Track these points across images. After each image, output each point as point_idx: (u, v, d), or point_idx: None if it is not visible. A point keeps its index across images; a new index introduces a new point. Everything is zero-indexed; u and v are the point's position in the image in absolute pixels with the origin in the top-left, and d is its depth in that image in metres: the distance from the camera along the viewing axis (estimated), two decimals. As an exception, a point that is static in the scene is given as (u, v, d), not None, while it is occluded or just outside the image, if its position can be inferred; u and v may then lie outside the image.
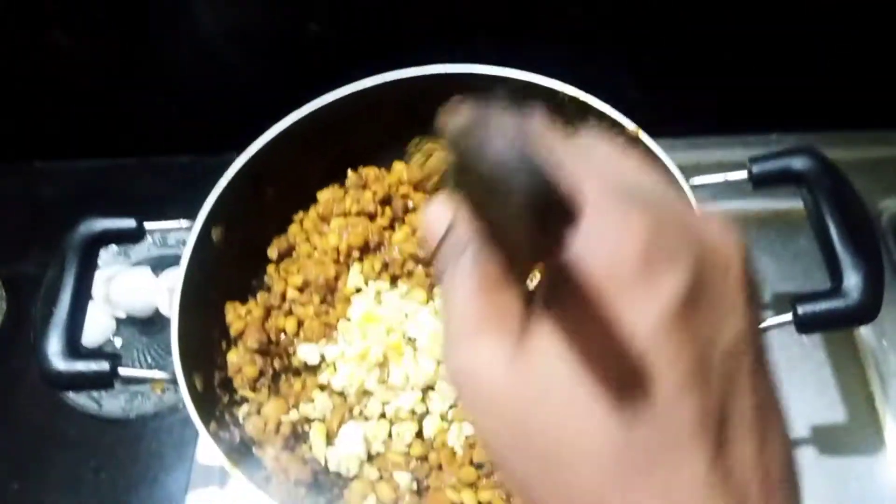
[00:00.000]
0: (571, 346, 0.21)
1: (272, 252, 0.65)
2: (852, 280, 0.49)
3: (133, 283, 0.77)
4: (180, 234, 0.82)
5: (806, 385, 0.66)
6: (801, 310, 0.49)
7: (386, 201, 0.67)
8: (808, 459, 0.64)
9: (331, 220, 0.66)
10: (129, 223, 0.57)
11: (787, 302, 0.62)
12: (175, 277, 0.74)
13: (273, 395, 0.58)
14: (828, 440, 0.64)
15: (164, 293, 0.75)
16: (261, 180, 0.63)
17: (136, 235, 0.57)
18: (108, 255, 0.82)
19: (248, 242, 0.64)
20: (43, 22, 0.77)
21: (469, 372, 0.24)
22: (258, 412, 0.56)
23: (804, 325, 0.49)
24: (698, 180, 0.57)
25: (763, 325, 0.50)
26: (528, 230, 0.20)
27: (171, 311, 0.54)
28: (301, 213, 0.68)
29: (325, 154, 0.67)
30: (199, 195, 0.86)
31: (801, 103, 0.80)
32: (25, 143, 0.91)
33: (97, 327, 0.76)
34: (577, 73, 0.64)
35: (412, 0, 0.77)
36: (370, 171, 0.69)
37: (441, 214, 0.25)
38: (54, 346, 0.51)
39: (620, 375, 0.21)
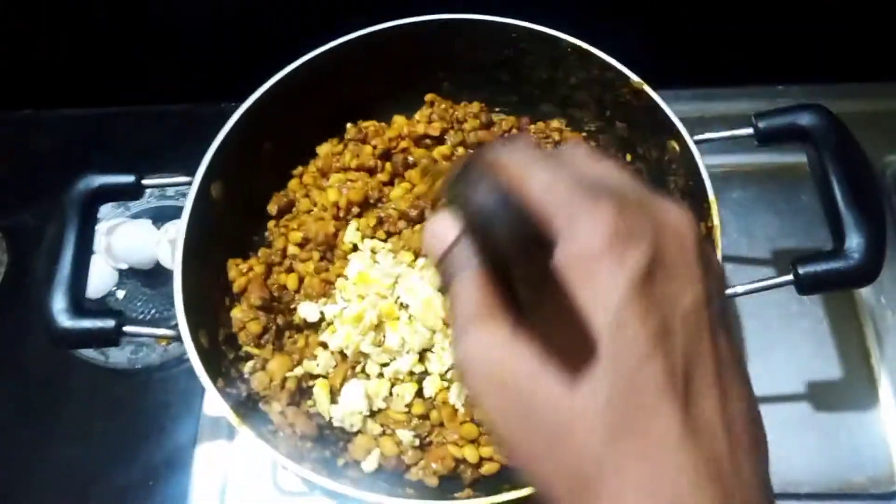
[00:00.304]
0: (554, 325, 0.25)
1: (272, 208, 0.65)
2: (854, 241, 0.49)
3: (134, 235, 0.77)
4: (179, 187, 0.83)
5: (804, 340, 0.67)
6: (801, 270, 0.50)
7: (386, 156, 0.66)
8: (803, 414, 0.65)
9: (330, 176, 0.65)
10: (128, 179, 0.57)
11: (788, 259, 0.63)
12: (175, 229, 0.75)
13: (277, 352, 0.58)
14: (823, 395, 0.65)
15: (164, 245, 0.75)
16: (258, 134, 0.63)
17: (134, 191, 0.57)
18: (106, 207, 0.81)
19: (248, 198, 0.64)
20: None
21: (474, 355, 0.27)
22: (263, 368, 0.57)
23: (804, 286, 0.50)
24: (703, 136, 0.56)
25: (763, 283, 0.50)
26: (514, 254, 0.26)
27: (174, 268, 0.54)
28: (300, 168, 0.67)
29: (324, 107, 0.66)
30: (195, 145, 0.84)
31: (806, 55, 0.79)
32: (19, 91, 0.89)
33: (99, 279, 0.76)
34: (582, 24, 0.62)
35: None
36: (370, 125, 0.68)
37: (446, 229, 0.29)
38: (59, 304, 0.51)
39: (595, 345, 0.24)
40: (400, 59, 0.65)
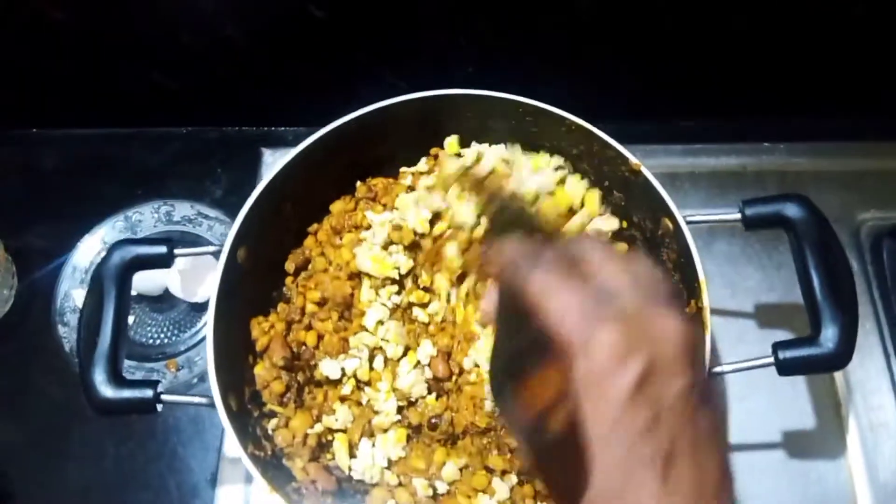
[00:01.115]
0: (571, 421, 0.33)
1: (289, 266, 0.69)
2: (829, 331, 0.54)
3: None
4: (185, 211, 0.86)
5: (781, 392, 0.73)
6: (781, 356, 0.55)
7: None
8: (776, 459, 0.71)
9: (343, 234, 0.69)
10: (161, 250, 0.60)
11: (769, 313, 0.73)
12: (185, 261, 0.78)
13: (299, 409, 0.63)
14: (796, 444, 0.71)
15: (174, 274, 0.78)
16: (280, 197, 0.66)
17: (166, 260, 0.60)
18: (114, 232, 0.85)
19: (269, 257, 0.68)
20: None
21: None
22: (286, 425, 0.62)
23: (784, 368, 0.55)
24: (694, 217, 0.61)
25: (746, 364, 0.56)
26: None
27: (207, 338, 0.58)
28: (315, 226, 0.71)
29: (340, 168, 0.70)
30: (199, 168, 0.89)
31: (790, 114, 0.85)
32: (25, 110, 0.91)
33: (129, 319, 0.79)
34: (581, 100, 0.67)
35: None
36: (378, 182, 0.72)
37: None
38: (100, 376, 0.55)
39: (590, 460, 0.32)
40: (414, 125, 0.69)
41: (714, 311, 0.75)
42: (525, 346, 0.37)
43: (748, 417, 0.72)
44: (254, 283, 0.66)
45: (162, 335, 0.81)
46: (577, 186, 0.68)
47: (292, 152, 0.65)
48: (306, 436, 0.61)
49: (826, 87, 0.84)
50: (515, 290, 0.36)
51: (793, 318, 0.76)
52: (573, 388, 0.33)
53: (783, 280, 0.78)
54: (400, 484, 0.61)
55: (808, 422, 0.72)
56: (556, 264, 0.36)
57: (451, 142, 0.71)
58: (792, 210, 0.58)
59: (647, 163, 0.64)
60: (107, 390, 0.55)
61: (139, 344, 0.80)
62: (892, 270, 0.77)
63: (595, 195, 0.67)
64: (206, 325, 0.59)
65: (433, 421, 0.61)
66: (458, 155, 0.70)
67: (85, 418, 0.75)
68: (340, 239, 0.69)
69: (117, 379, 0.55)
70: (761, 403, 0.72)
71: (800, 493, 0.70)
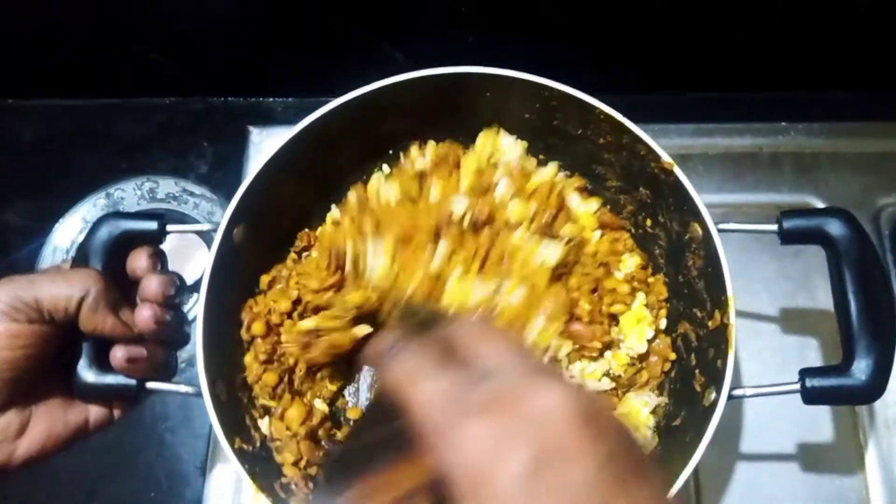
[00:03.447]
0: None
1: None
2: (863, 363, 0.50)
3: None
4: (169, 188, 0.82)
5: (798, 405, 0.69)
6: (808, 384, 0.51)
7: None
8: (792, 473, 0.68)
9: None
10: (151, 225, 0.56)
11: (782, 312, 0.71)
12: (170, 240, 0.74)
13: (296, 398, 0.60)
14: (812, 458, 0.69)
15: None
16: (283, 176, 0.62)
17: (157, 237, 0.56)
18: (96, 209, 0.81)
19: (267, 238, 0.64)
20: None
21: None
22: (281, 417, 0.59)
23: (810, 397, 0.51)
24: (727, 226, 0.57)
25: (769, 390, 0.52)
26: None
27: (197, 322, 0.54)
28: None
29: (346, 144, 0.65)
30: (182, 140, 0.84)
31: (808, 92, 0.81)
32: (1, 79, 0.85)
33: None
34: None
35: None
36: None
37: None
38: (82, 360, 0.52)
39: None
40: (429, 103, 0.64)
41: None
42: (382, 439, 0.34)
43: (761, 424, 0.69)
44: (250, 265, 0.63)
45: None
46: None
47: (298, 126, 0.60)
48: (299, 429, 0.58)
49: (846, 64, 0.80)
50: (382, 383, 0.32)
51: (813, 329, 0.73)
52: (443, 487, 0.29)
53: (798, 275, 0.74)
54: None
55: (824, 425, 0.70)
56: (424, 350, 0.32)
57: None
58: (834, 226, 0.53)
59: (658, 142, 0.59)
60: (88, 375, 0.52)
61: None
62: (913, 259, 0.73)
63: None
64: (197, 307, 0.55)
65: None
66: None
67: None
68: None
69: (101, 364, 0.52)
70: (774, 411, 0.69)
71: (815, 495, 0.67)
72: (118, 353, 0.51)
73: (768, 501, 0.68)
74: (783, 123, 0.82)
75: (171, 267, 0.68)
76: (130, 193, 0.81)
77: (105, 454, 0.71)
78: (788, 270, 0.75)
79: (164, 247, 0.72)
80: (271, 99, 0.85)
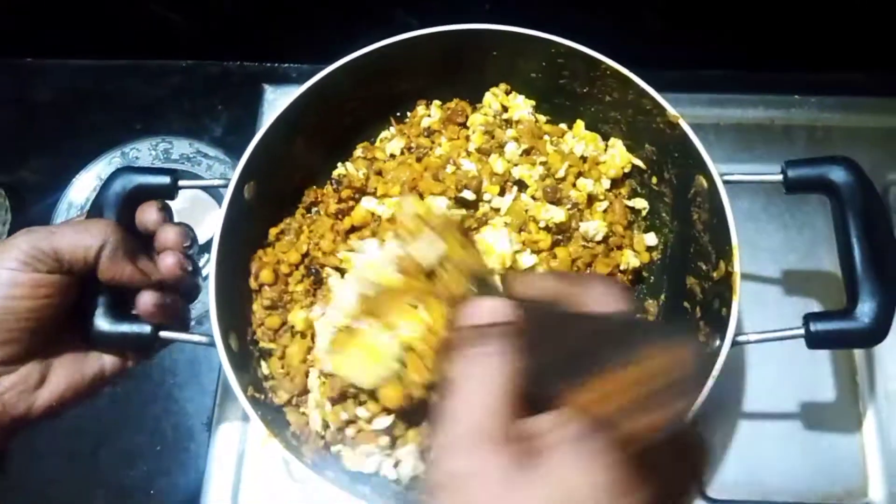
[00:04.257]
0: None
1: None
2: (867, 306, 0.51)
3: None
4: (183, 149, 0.83)
5: (799, 360, 0.70)
6: (813, 328, 0.52)
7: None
8: (791, 429, 0.69)
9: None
10: (164, 180, 0.56)
11: (787, 275, 0.72)
12: (183, 197, 0.74)
13: (297, 337, 0.60)
14: (811, 413, 0.70)
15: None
16: (293, 132, 0.63)
17: (169, 192, 0.57)
18: (110, 168, 0.82)
19: (277, 193, 0.64)
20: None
21: (465, 477, 0.28)
22: (281, 356, 0.60)
23: (815, 341, 0.52)
24: (732, 177, 0.57)
25: (774, 335, 0.53)
26: None
27: (209, 276, 0.55)
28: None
29: (356, 102, 0.66)
30: (198, 103, 0.85)
31: (823, 66, 0.80)
32: (20, 39, 0.87)
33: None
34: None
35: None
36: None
37: (499, 309, 0.31)
38: (100, 309, 0.52)
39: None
40: (437, 61, 0.65)
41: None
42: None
43: (763, 384, 0.70)
44: (259, 221, 0.63)
45: (157, 273, 0.79)
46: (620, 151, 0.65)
47: (307, 84, 0.61)
48: (300, 367, 0.59)
49: (861, 38, 0.80)
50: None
51: (816, 284, 0.73)
52: None
53: (804, 242, 0.75)
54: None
55: (825, 390, 0.70)
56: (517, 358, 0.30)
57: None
58: (838, 174, 0.54)
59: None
60: (103, 323, 0.52)
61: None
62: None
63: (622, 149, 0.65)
64: (209, 266, 0.56)
65: None
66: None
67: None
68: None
69: (115, 312, 0.53)
70: (778, 371, 0.70)
71: (812, 460, 0.68)
72: (147, 299, 0.52)
73: (766, 461, 0.68)
74: (796, 96, 0.82)
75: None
76: (145, 153, 0.82)
77: (113, 408, 0.72)
78: (780, 221, 0.76)
79: (176, 207, 0.73)
80: (286, 64, 0.86)
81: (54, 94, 0.87)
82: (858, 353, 0.71)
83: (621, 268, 0.64)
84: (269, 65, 0.87)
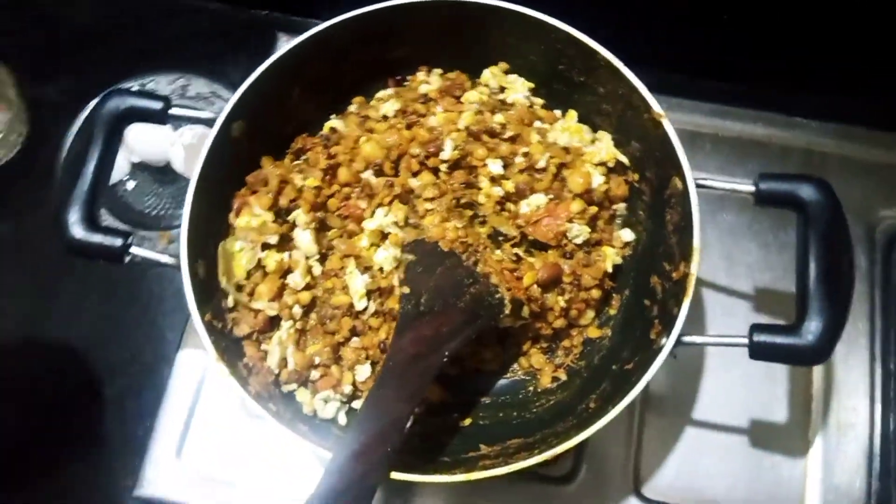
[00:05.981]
0: None
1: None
2: (813, 324, 0.51)
3: (150, 131, 0.79)
4: (200, 88, 0.85)
5: (757, 377, 0.71)
6: (756, 338, 0.52)
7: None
8: (739, 444, 0.70)
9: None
10: (156, 105, 0.59)
11: (759, 293, 0.72)
12: (192, 134, 0.77)
13: (267, 277, 0.62)
14: (761, 430, 0.70)
15: (178, 148, 0.78)
16: (290, 80, 0.64)
17: (161, 116, 0.59)
18: None
19: (267, 138, 0.66)
20: None
21: None
22: (250, 293, 0.62)
23: (756, 352, 0.53)
24: (705, 181, 0.58)
25: (717, 340, 0.54)
26: None
27: (186, 201, 0.57)
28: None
29: (355, 61, 0.67)
30: (216, 46, 0.87)
31: (826, 91, 0.79)
32: None
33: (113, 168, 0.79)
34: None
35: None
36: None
37: None
38: (74, 216, 0.55)
39: None
40: (439, 30, 0.66)
41: (705, 282, 0.75)
42: None
43: (718, 395, 0.71)
44: (246, 161, 0.65)
45: (160, 207, 0.81)
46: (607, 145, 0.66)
47: (305, 34, 0.62)
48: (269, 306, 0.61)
49: (870, 68, 0.79)
50: None
51: (789, 306, 0.72)
52: None
53: (781, 262, 0.75)
54: None
55: (778, 410, 0.71)
56: None
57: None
58: (808, 192, 0.54)
59: (671, 115, 0.60)
60: (78, 231, 0.55)
61: (137, 211, 0.81)
62: (901, 276, 0.73)
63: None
64: (188, 187, 0.57)
65: None
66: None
67: (72, 276, 0.78)
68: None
69: (91, 223, 0.55)
70: (734, 384, 0.71)
71: (753, 477, 0.68)
72: None
73: (706, 470, 0.69)
74: (798, 119, 0.82)
75: (185, 162, 0.73)
76: (163, 86, 0.84)
77: (99, 324, 0.76)
78: (761, 239, 0.76)
79: (184, 143, 0.76)
80: (302, 18, 0.87)
81: (86, 19, 0.90)
82: (817, 380, 0.71)
83: (608, 271, 0.65)
84: (295, 18, 0.88)
